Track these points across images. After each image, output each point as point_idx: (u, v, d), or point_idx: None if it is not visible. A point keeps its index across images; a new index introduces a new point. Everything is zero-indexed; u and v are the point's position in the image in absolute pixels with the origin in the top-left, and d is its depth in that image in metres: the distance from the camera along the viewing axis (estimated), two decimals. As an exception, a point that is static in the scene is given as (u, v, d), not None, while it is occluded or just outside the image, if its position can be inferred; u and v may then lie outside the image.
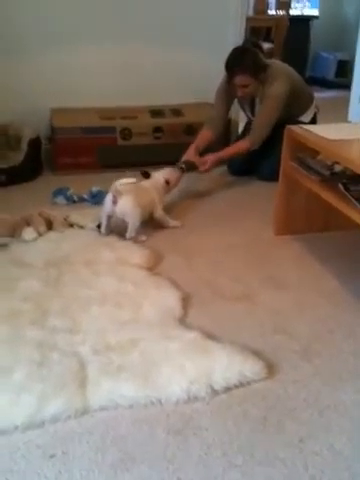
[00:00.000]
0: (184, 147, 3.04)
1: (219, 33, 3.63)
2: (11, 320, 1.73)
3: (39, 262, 2.14)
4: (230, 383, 1.48)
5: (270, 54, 4.92)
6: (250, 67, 2.91)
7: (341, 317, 1.87)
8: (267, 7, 6.37)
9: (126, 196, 2.35)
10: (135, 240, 2.37)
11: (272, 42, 6.00)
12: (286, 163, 2.38)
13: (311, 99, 3.30)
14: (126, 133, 3.40)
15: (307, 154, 2.26)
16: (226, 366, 1.51)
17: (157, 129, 3.46)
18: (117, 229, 2.44)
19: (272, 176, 2.68)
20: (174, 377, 1.48)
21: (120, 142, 3.40)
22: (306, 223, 2.50)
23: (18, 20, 3.30)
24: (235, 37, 3.58)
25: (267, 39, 5.97)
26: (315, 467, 1.26)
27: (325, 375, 1.57)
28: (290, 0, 6.61)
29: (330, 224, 2.50)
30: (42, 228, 2.40)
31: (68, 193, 2.87)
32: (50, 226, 2.45)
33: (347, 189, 1.97)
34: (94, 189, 2.88)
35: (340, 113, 4.51)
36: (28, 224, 2.41)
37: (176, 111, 3.59)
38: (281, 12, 6.39)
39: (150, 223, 2.54)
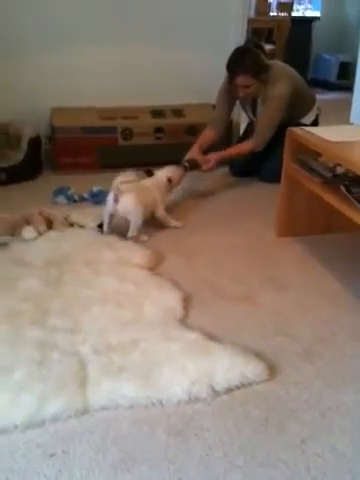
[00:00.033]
0: (185, 148, 3.04)
1: (220, 34, 3.63)
2: (11, 320, 1.73)
3: (39, 261, 2.13)
4: (231, 384, 1.47)
5: (272, 56, 4.91)
6: (251, 67, 2.90)
7: (343, 319, 1.86)
8: (269, 8, 6.37)
9: (128, 194, 2.35)
10: (136, 240, 2.37)
11: (274, 44, 5.99)
12: (288, 165, 2.37)
13: (313, 101, 3.30)
14: (127, 133, 3.40)
15: (309, 156, 2.26)
16: (228, 367, 1.51)
17: (158, 129, 3.46)
18: (118, 229, 2.43)
19: (274, 178, 2.67)
20: (175, 378, 1.47)
21: (121, 142, 3.40)
22: (308, 225, 2.50)
23: (18, 20, 3.30)
24: (236, 38, 3.58)
25: (269, 41, 5.94)
26: (317, 469, 1.25)
27: (327, 377, 1.56)
28: (292, 1, 6.61)
29: (332, 226, 2.50)
30: (42, 227, 2.40)
31: (69, 192, 2.87)
32: (50, 225, 2.45)
33: (349, 191, 1.97)
34: (95, 188, 2.87)
35: (342, 115, 4.49)
36: (28, 223, 2.40)
37: (177, 111, 3.58)
38: (283, 14, 6.39)
39: (151, 223, 2.53)
